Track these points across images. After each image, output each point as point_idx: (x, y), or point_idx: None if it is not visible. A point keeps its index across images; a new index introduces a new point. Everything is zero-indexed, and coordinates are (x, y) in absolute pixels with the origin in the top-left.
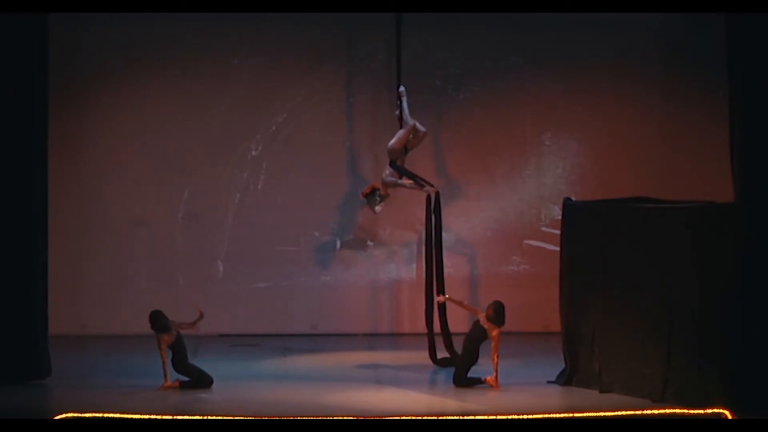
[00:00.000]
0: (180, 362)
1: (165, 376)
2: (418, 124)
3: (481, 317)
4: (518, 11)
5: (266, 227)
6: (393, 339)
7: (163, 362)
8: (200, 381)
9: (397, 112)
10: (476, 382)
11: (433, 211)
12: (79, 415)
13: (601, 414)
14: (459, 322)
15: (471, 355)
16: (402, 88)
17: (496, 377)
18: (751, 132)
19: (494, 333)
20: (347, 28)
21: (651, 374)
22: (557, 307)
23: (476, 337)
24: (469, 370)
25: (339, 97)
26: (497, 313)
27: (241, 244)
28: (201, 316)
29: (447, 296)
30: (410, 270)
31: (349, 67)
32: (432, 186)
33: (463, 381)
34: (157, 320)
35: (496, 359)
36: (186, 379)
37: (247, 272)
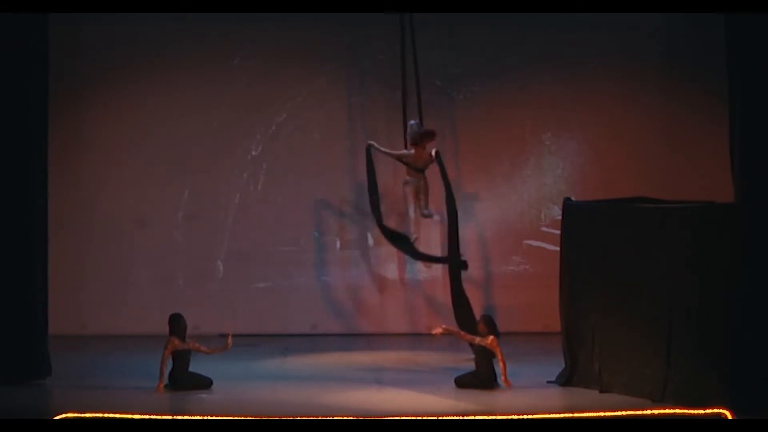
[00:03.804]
0: (180, 373)
1: (161, 376)
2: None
3: (477, 340)
4: (518, 11)
5: (266, 227)
6: (393, 339)
7: (163, 362)
8: (198, 385)
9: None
10: (478, 385)
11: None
12: (79, 415)
13: (601, 414)
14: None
15: (490, 377)
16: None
17: (506, 377)
18: (751, 132)
19: (489, 341)
20: (347, 28)
21: (651, 374)
22: (557, 307)
23: (485, 359)
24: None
25: (339, 96)
26: (489, 327)
27: (241, 244)
28: (225, 348)
29: (443, 327)
30: (411, 270)
31: (350, 67)
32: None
33: (465, 382)
34: (177, 323)
35: (502, 365)
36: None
37: (247, 272)
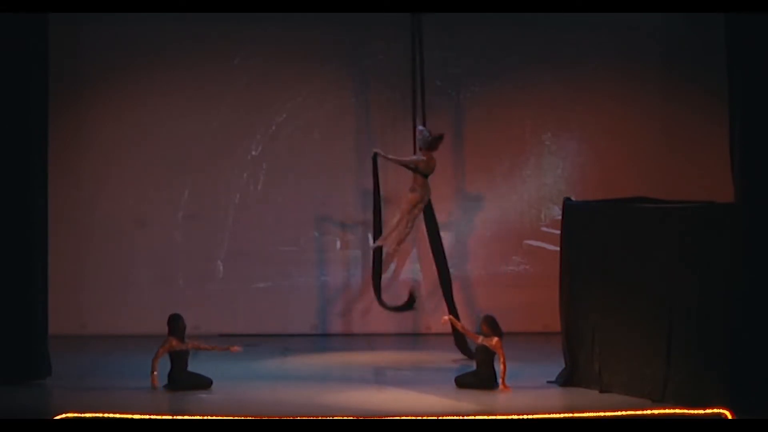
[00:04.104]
0: (178, 373)
1: (152, 370)
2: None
3: (480, 339)
4: (518, 11)
5: (266, 227)
6: (393, 339)
7: (155, 357)
8: (198, 385)
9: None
10: (478, 385)
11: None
12: (79, 415)
13: (601, 414)
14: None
15: (491, 379)
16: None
17: (504, 381)
18: (751, 132)
19: (494, 342)
20: (347, 28)
21: (651, 374)
22: (557, 307)
23: (486, 360)
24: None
25: (339, 96)
26: (492, 328)
27: (241, 244)
28: (226, 348)
29: (449, 317)
30: (411, 270)
31: (350, 67)
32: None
33: (465, 382)
34: (176, 324)
35: (503, 367)
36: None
37: (247, 272)
